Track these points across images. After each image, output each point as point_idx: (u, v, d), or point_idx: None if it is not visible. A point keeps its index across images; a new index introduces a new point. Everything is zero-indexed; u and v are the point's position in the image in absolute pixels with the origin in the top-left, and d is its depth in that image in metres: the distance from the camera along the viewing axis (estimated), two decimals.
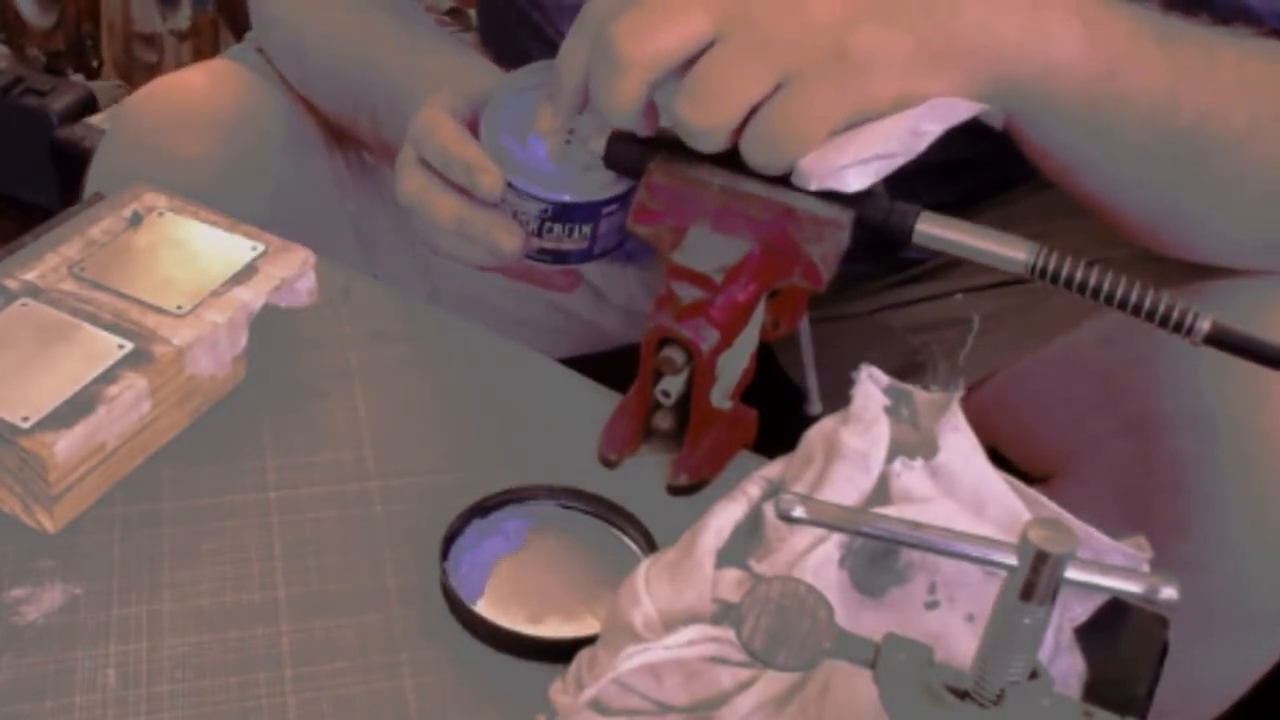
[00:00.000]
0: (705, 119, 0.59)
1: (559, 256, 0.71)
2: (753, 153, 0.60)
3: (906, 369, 0.86)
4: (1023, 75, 0.61)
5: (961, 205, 0.81)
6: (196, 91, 0.89)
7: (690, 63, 0.59)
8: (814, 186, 0.60)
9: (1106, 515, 0.50)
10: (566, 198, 0.68)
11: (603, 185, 0.68)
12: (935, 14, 0.59)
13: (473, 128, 0.70)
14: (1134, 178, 0.67)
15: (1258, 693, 0.76)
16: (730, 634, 0.46)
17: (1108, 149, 0.65)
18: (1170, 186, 0.67)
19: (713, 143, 0.61)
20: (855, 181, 0.60)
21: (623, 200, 0.68)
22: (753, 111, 0.59)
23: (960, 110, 0.61)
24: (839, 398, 0.54)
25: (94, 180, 0.84)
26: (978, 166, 0.87)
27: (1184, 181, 0.66)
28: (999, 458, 0.53)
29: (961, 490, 0.51)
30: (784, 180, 0.61)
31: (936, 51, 0.59)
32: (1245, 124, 0.64)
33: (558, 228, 0.69)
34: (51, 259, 0.70)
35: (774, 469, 0.54)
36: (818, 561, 0.50)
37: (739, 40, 0.58)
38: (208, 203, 0.74)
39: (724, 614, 0.50)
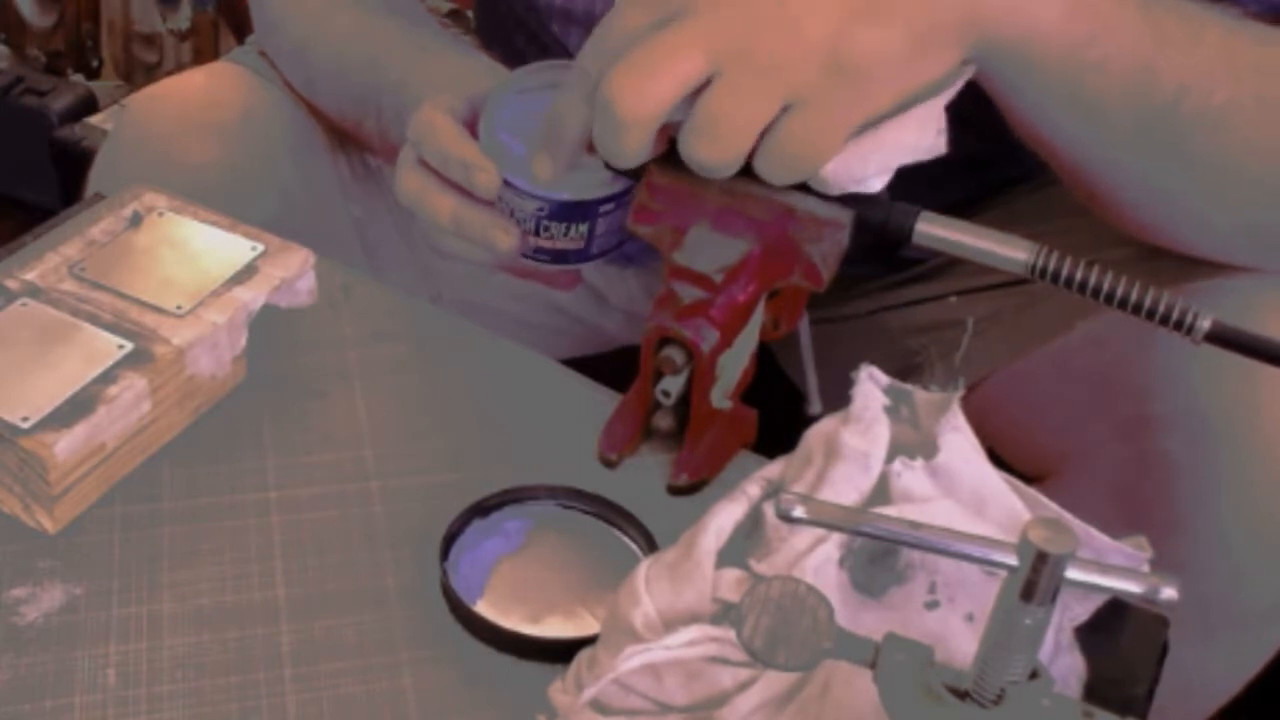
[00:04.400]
0: (717, 154, 0.59)
1: (556, 256, 0.71)
2: (769, 171, 0.60)
3: (905, 370, 0.86)
4: (1005, 39, 0.61)
5: (961, 205, 0.82)
6: (199, 95, 0.89)
7: (693, 92, 0.59)
8: (836, 193, 0.61)
9: (1101, 516, 0.50)
10: (563, 196, 0.68)
11: (599, 184, 0.68)
12: None
13: (473, 128, 0.70)
14: (1114, 153, 0.67)
15: (1253, 690, 0.76)
16: (730, 634, 0.46)
17: (1088, 120, 0.65)
18: (1150, 164, 0.67)
19: (725, 172, 0.61)
20: (877, 183, 0.61)
21: (619, 199, 0.68)
22: (762, 131, 0.59)
23: (955, 83, 0.62)
24: (839, 398, 0.54)
25: (95, 185, 0.84)
26: (978, 167, 0.87)
27: (1164, 159, 0.66)
28: (994, 458, 0.53)
29: (961, 490, 0.51)
30: None
31: (924, 35, 0.59)
32: (1226, 102, 0.64)
33: (554, 226, 0.69)
34: (51, 259, 0.70)
35: (774, 469, 0.54)
36: (818, 561, 0.50)
37: (739, 72, 0.58)
38: (211, 208, 0.74)
39: (724, 614, 0.50)
